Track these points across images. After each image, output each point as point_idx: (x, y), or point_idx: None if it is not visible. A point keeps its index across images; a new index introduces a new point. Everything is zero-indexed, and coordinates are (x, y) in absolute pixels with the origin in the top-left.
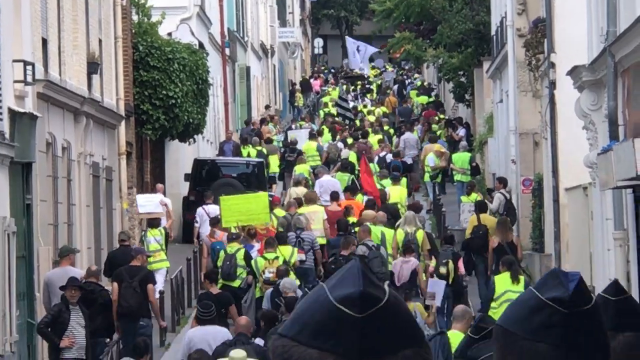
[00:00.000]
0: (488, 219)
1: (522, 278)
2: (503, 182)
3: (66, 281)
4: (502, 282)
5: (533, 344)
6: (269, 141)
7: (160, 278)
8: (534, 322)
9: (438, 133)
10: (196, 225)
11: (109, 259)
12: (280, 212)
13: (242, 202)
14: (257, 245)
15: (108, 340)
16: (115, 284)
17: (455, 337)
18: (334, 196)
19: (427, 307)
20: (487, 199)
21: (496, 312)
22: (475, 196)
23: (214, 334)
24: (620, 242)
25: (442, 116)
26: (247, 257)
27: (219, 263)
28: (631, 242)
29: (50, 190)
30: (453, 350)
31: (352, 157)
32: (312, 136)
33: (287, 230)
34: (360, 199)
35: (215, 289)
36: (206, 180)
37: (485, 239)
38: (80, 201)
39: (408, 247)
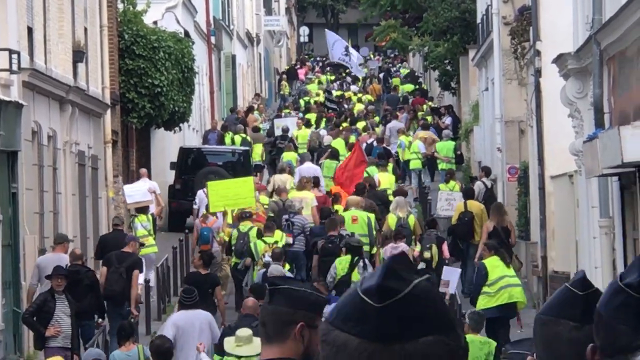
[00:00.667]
0: (474, 205)
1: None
2: (486, 170)
3: (56, 267)
4: (494, 266)
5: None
6: (256, 130)
7: (149, 263)
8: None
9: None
10: (195, 207)
11: (101, 242)
12: (264, 199)
13: (229, 187)
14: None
15: (100, 320)
16: (104, 268)
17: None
18: (317, 181)
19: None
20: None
21: (493, 297)
22: (453, 184)
23: (197, 318)
24: (605, 230)
25: (430, 104)
26: (260, 236)
27: (233, 242)
28: (617, 229)
29: (36, 178)
30: None
31: (338, 143)
32: (307, 124)
33: (280, 215)
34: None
35: (204, 270)
36: (192, 169)
37: (470, 225)
38: (66, 190)
39: (398, 233)
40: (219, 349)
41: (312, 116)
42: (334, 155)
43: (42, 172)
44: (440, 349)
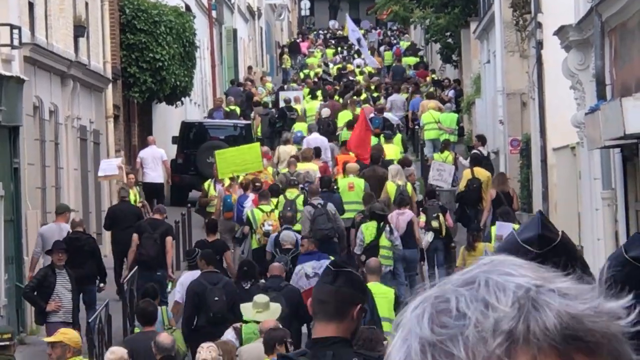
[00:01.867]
0: (481, 173)
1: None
2: (481, 139)
3: (56, 242)
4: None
5: None
6: (257, 104)
7: None
8: None
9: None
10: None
11: (109, 214)
12: (270, 169)
13: (236, 154)
14: (251, 196)
15: (102, 285)
16: (136, 235)
17: (375, 287)
18: (317, 152)
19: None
20: (465, 156)
21: None
22: (447, 154)
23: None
24: (608, 202)
25: (433, 76)
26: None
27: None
28: (619, 201)
29: (38, 153)
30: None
31: (345, 116)
32: (314, 96)
33: (287, 187)
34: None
35: (212, 237)
36: (194, 143)
37: (478, 192)
38: (67, 164)
39: (402, 200)
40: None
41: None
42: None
43: (44, 147)
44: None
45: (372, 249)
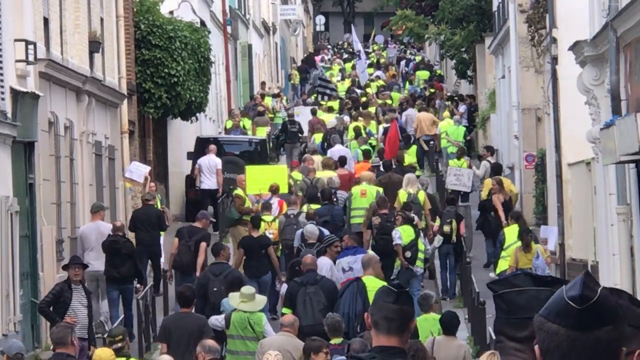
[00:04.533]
0: (503, 180)
1: (514, 227)
2: (490, 150)
3: (72, 258)
4: (511, 233)
5: None
6: (261, 114)
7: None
8: None
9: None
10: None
11: (133, 216)
12: (297, 175)
13: (264, 172)
14: (276, 200)
15: (139, 285)
16: (176, 240)
17: (369, 281)
18: (342, 161)
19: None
20: (477, 165)
21: (506, 260)
22: (463, 161)
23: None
24: (623, 217)
25: (446, 92)
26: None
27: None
28: (634, 216)
29: (53, 169)
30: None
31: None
32: (329, 110)
33: (308, 193)
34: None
35: (256, 233)
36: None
37: (510, 202)
38: (83, 180)
39: (407, 205)
40: (289, 300)
41: (334, 103)
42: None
43: (59, 162)
44: (616, 334)
45: (414, 249)
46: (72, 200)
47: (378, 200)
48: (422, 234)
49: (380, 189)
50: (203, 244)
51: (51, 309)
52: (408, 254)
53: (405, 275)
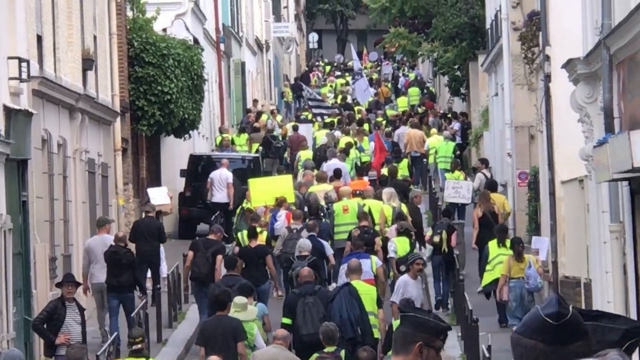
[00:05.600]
0: (497, 197)
1: (508, 241)
2: (485, 162)
3: (66, 275)
4: (494, 247)
5: None
6: (255, 130)
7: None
8: None
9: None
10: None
11: (134, 227)
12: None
13: (269, 184)
14: (284, 212)
15: (141, 295)
16: (191, 252)
17: (359, 285)
18: (337, 173)
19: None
20: (471, 177)
21: (490, 273)
22: (458, 174)
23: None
24: (616, 235)
25: (437, 110)
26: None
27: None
28: (627, 234)
29: (46, 186)
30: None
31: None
32: (326, 125)
33: (302, 207)
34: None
35: (254, 243)
36: (202, 176)
37: (495, 216)
38: (76, 198)
39: (400, 216)
40: (289, 310)
41: (334, 119)
42: (347, 152)
43: (52, 180)
44: (586, 348)
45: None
46: (65, 217)
47: (358, 214)
48: (417, 245)
49: (362, 202)
50: (219, 257)
51: (45, 326)
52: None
53: None
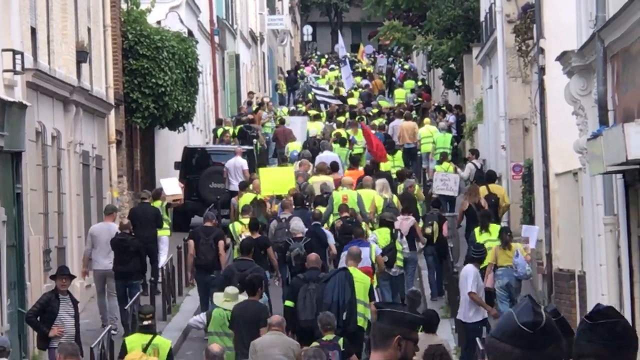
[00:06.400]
0: (496, 188)
1: (493, 227)
2: (475, 153)
3: (60, 268)
4: (478, 233)
5: None
6: (251, 122)
7: (162, 246)
8: None
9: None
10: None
11: (131, 214)
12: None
13: (275, 173)
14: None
15: (142, 281)
16: (192, 241)
17: (356, 272)
18: (334, 166)
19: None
20: (461, 167)
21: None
22: (447, 165)
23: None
24: (610, 228)
25: (433, 102)
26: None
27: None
28: (621, 227)
29: (40, 179)
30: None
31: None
32: (316, 117)
33: (296, 198)
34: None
35: (255, 234)
36: (196, 169)
37: (496, 207)
38: (70, 190)
39: (406, 208)
40: (292, 294)
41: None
42: (343, 142)
43: (46, 172)
44: (559, 351)
45: (391, 252)
46: (59, 210)
47: (340, 206)
48: (399, 235)
49: (361, 193)
50: (221, 242)
51: (38, 318)
52: (385, 258)
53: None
